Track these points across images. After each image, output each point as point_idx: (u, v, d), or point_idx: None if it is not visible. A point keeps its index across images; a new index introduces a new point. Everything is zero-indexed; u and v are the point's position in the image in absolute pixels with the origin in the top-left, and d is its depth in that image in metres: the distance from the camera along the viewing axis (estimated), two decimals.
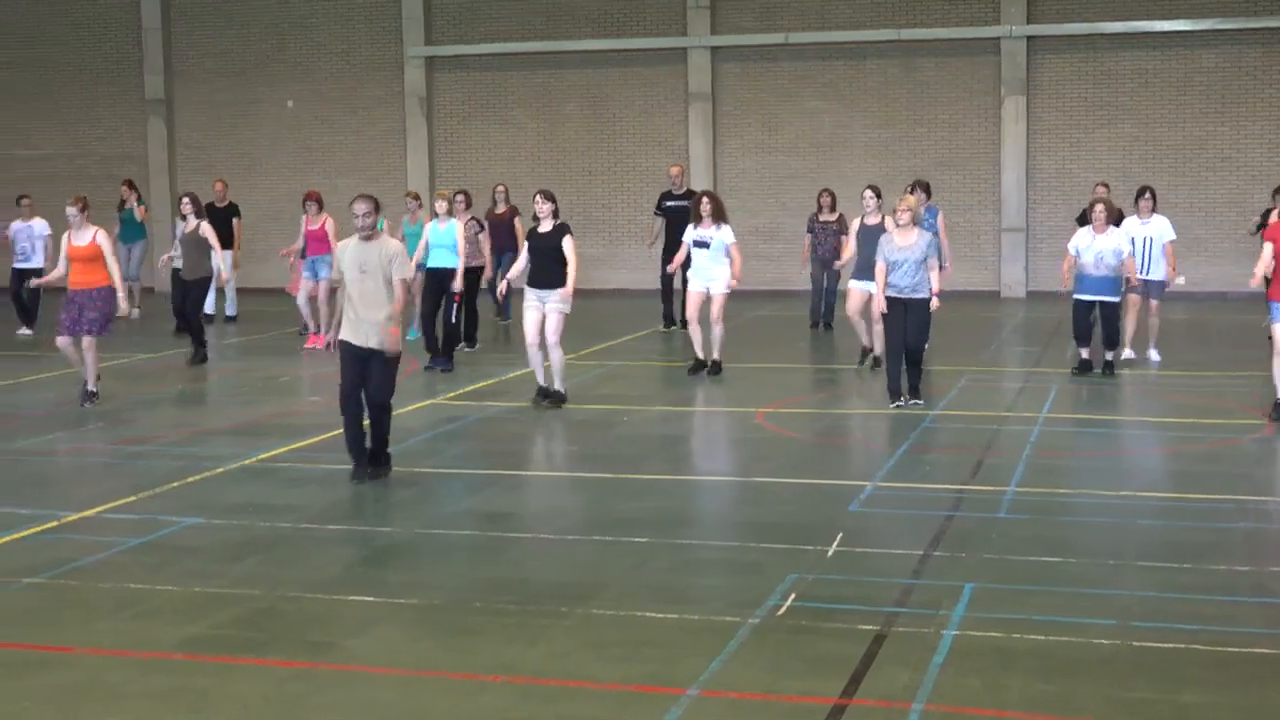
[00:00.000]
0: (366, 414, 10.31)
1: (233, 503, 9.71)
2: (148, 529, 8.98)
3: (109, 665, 6.48)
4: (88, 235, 13.94)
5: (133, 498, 9.84)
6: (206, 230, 17.04)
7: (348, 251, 10.43)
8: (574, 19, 26.38)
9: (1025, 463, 10.74)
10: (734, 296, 15.48)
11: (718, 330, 15.18)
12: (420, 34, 26.80)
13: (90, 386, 13.82)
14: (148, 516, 9.29)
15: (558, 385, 13.41)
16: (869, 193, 15.86)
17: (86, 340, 13.73)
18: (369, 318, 10.21)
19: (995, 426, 12.32)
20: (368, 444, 10.35)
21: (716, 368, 15.19)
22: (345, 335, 10.31)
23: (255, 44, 27.83)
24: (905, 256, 13.17)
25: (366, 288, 10.25)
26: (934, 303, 13.27)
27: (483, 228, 17.71)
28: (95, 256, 13.88)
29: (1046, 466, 10.69)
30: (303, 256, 18.82)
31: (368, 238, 10.37)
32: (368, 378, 10.21)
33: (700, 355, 15.26)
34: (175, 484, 10.27)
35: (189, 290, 17.02)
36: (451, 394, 14.23)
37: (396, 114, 27.33)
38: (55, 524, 9.13)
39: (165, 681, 6.26)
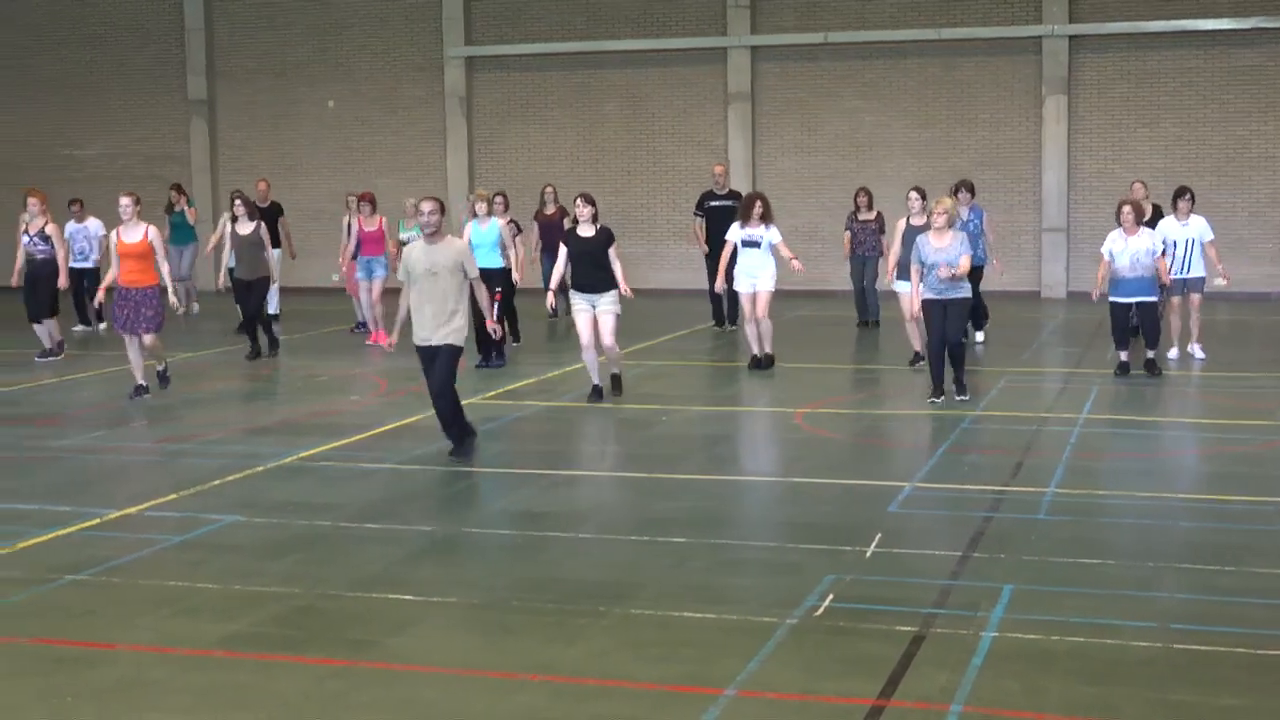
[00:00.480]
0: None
1: (273, 501, 9.77)
2: (189, 527, 9.05)
3: (150, 662, 6.54)
4: (139, 232, 14.08)
5: (174, 496, 9.91)
6: (264, 230, 17.41)
7: (414, 253, 10.72)
8: (614, 19, 26.40)
9: (1065, 464, 10.69)
10: (773, 296, 15.59)
11: (765, 326, 15.56)
12: (460, 34, 26.88)
13: (140, 380, 14.08)
14: (189, 514, 9.36)
15: (616, 369, 13.97)
16: (914, 193, 15.82)
17: (149, 338, 13.99)
18: (439, 317, 10.64)
19: (1035, 427, 12.26)
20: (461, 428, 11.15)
21: (770, 360, 15.63)
22: (419, 338, 10.82)
23: (297, 45, 27.98)
24: (942, 258, 13.22)
25: (437, 288, 10.66)
26: (962, 263, 13.39)
27: (520, 229, 17.78)
28: (146, 254, 14.05)
29: (1086, 468, 10.64)
30: (354, 257, 19.01)
31: (433, 237, 10.68)
32: (434, 371, 10.83)
33: (756, 352, 15.62)
34: (216, 482, 10.34)
35: (251, 290, 17.21)
36: (491, 393, 14.27)
37: (436, 114, 27.41)
38: (97, 521, 9.21)
39: (206, 678, 6.30)
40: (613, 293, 13.64)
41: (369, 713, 5.89)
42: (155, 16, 28.61)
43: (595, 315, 13.60)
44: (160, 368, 14.42)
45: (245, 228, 17.27)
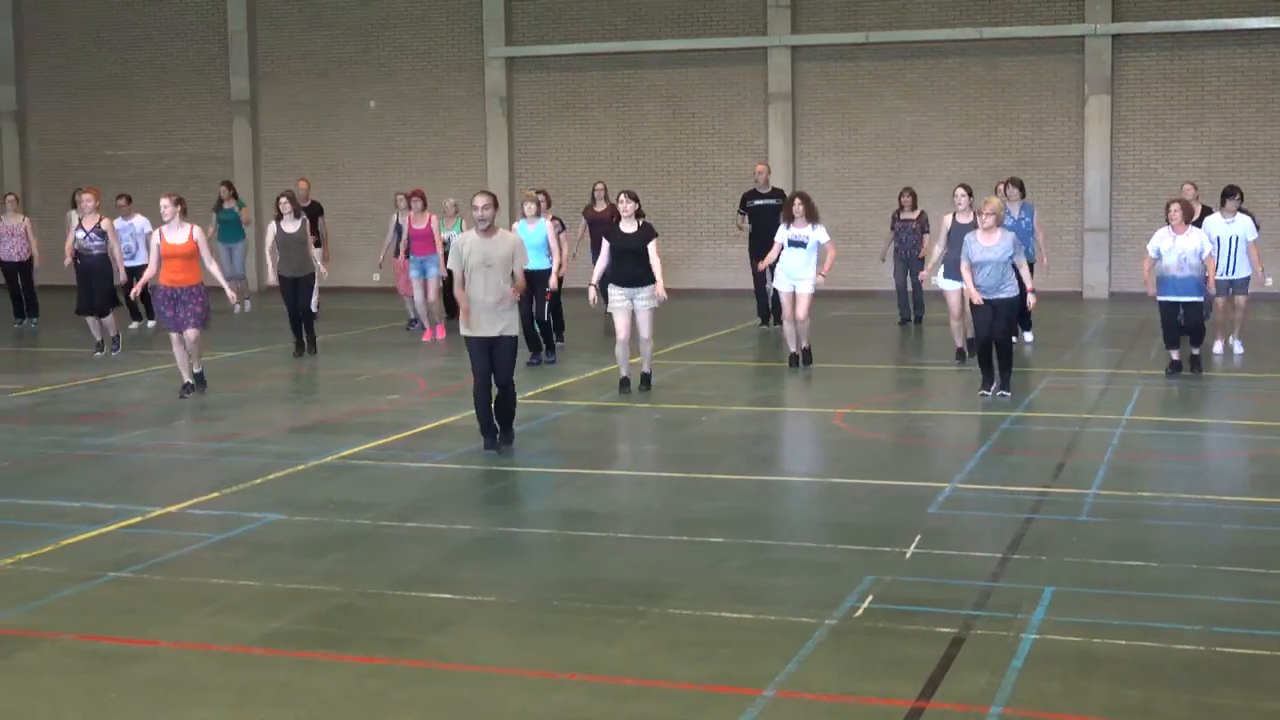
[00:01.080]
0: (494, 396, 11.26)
1: (314, 499, 9.82)
2: (231, 525, 9.10)
3: (192, 659, 6.58)
4: (184, 233, 14.17)
5: (216, 494, 9.97)
6: (308, 228, 17.65)
7: (468, 244, 10.92)
8: (654, 19, 26.40)
9: (1107, 465, 10.63)
10: (814, 296, 15.60)
11: (803, 326, 15.69)
12: (501, 34, 26.94)
13: (187, 379, 14.24)
14: (231, 512, 9.42)
15: (646, 368, 14.16)
16: (960, 190, 15.78)
17: (191, 333, 14.11)
18: (493, 308, 10.96)
19: (1077, 428, 12.19)
20: (495, 423, 11.32)
21: (808, 356, 15.81)
22: (470, 329, 11.05)
23: (339, 45, 28.10)
24: (989, 257, 13.25)
25: (491, 280, 10.98)
26: (1030, 300, 13.91)
27: (564, 227, 17.82)
28: (192, 254, 14.16)
29: (1129, 469, 10.57)
30: (406, 255, 19.15)
31: (487, 231, 10.86)
32: (493, 364, 11.07)
33: (794, 349, 15.76)
34: (258, 480, 10.40)
35: (298, 286, 17.36)
36: (532, 392, 14.29)
37: (477, 114, 27.48)
38: (140, 519, 9.27)
39: (247, 676, 6.34)
40: (651, 288, 13.87)
41: (408, 711, 5.91)
42: (199, 18, 28.80)
43: (634, 310, 13.86)
44: (197, 369, 14.50)
45: (291, 225, 17.39)
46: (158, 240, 14.24)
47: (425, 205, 19.21)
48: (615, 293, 13.92)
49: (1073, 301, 24.01)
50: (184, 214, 14.38)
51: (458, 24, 27.45)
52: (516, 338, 11.23)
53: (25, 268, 21.23)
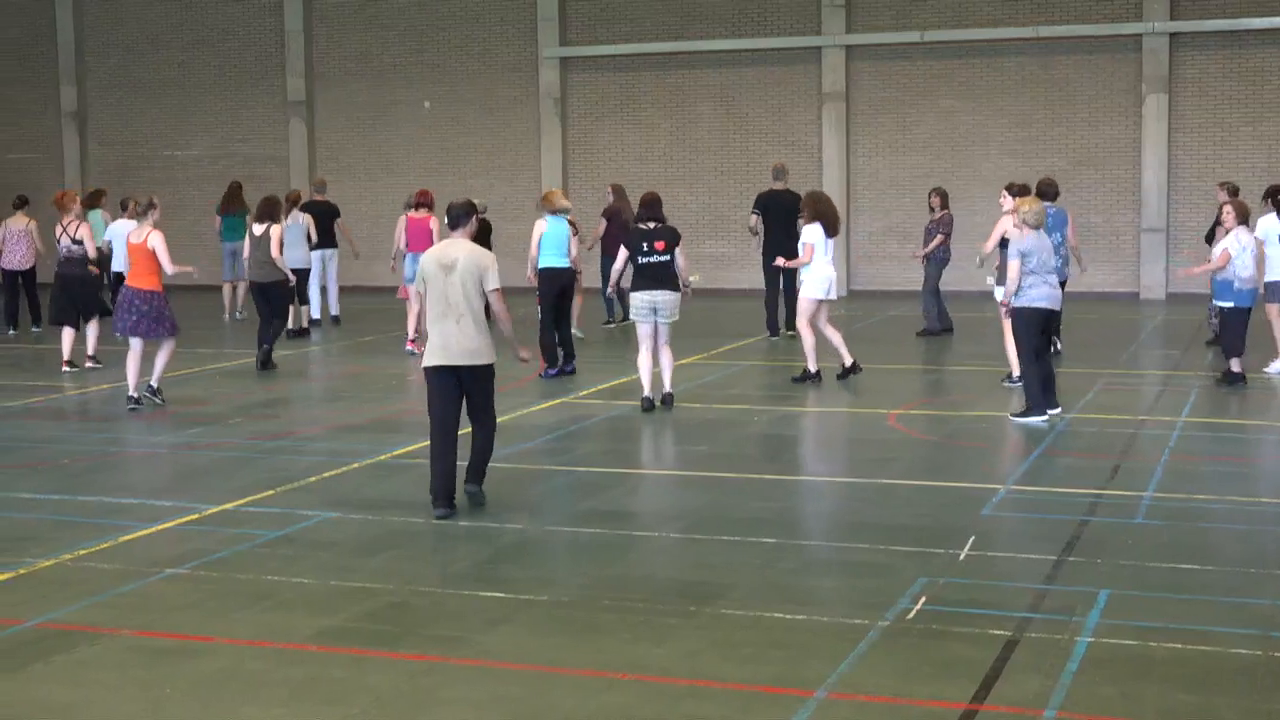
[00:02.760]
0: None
1: (367, 498, 9.87)
2: (285, 522, 9.17)
3: (247, 655, 6.63)
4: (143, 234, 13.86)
5: (270, 492, 10.04)
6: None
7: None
8: (708, 19, 26.39)
9: (1163, 467, 10.53)
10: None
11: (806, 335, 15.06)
12: (555, 35, 27.00)
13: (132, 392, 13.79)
14: (285, 510, 9.48)
15: (668, 387, 13.42)
16: (1006, 192, 15.44)
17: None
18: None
19: (1132, 430, 12.09)
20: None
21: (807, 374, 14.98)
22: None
23: (394, 46, 28.25)
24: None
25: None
26: (1001, 312, 13.23)
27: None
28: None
29: (1185, 472, 10.47)
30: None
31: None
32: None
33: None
34: (312, 479, 10.47)
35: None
36: (581, 392, 14.32)
37: (531, 114, 27.55)
38: (196, 517, 9.36)
39: (301, 672, 6.38)
40: (677, 295, 13.28)
41: (459, 708, 5.94)
42: (256, 19, 29.03)
43: (656, 322, 13.24)
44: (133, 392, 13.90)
45: (257, 229, 16.67)
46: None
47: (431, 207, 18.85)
48: (640, 299, 13.26)
49: (1129, 303, 23.82)
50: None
51: (512, 24, 27.53)
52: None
53: (29, 274, 20.48)
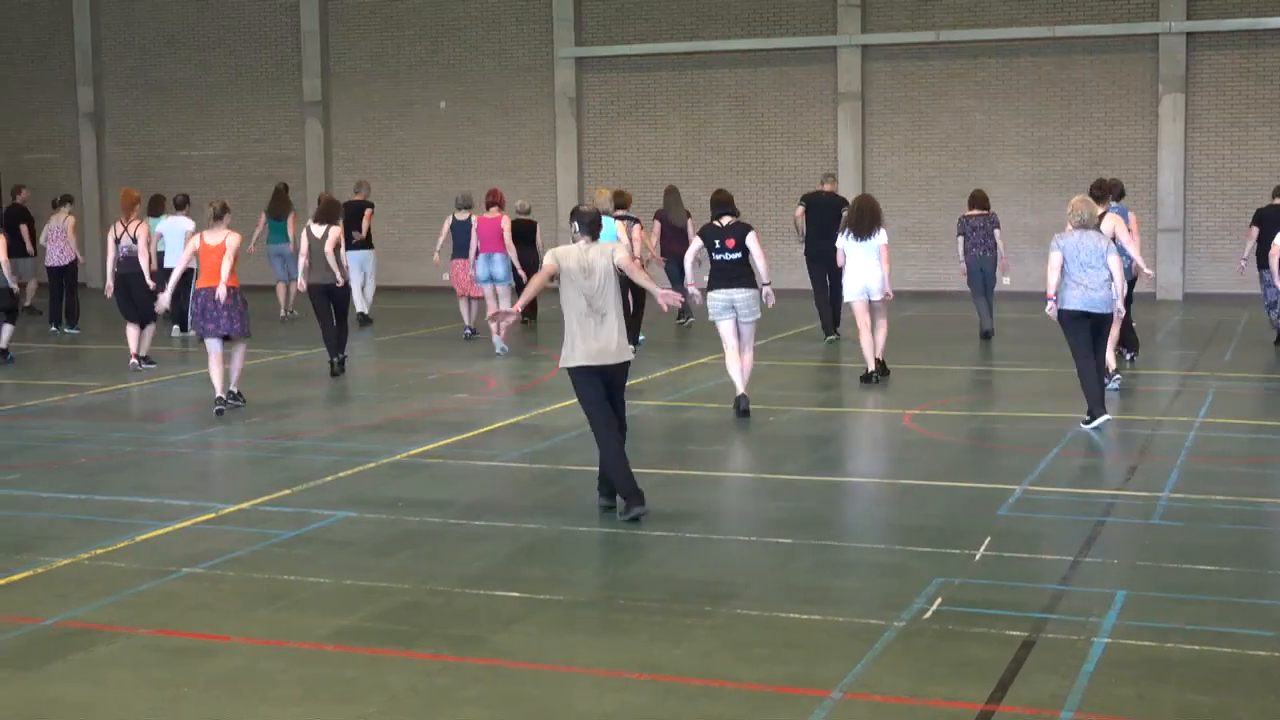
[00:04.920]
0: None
1: (383, 497, 9.89)
2: (301, 522, 9.19)
3: (263, 654, 6.65)
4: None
5: (287, 491, 10.06)
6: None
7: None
8: (723, 19, 26.38)
9: (1180, 468, 10.50)
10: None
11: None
12: (570, 35, 27.01)
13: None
14: (301, 510, 9.50)
15: (741, 389, 13.16)
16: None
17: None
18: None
19: (1149, 431, 12.06)
20: None
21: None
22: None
23: (410, 46, 28.29)
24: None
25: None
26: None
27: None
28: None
29: (1202, 472, 10.44)
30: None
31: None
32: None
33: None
34: (328, 478, 10.49)
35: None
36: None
37: (546, 114, 27.57)
38: (213, 516, 9.38)
39: (316, 672, 6.40)
40: (754, 292, 13.15)
41: (475, 708, 5.95)
42: (272, 19, 29.09)
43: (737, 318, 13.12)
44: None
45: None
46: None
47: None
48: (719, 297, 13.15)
49: (1146, 303, 23.73)
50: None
51: (528, 25, 27.55)
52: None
53: (69, 271, 20.74)
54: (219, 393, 13.54)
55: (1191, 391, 14.12)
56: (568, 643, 6.78)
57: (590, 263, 9.27)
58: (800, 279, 25.01)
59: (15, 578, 7.96)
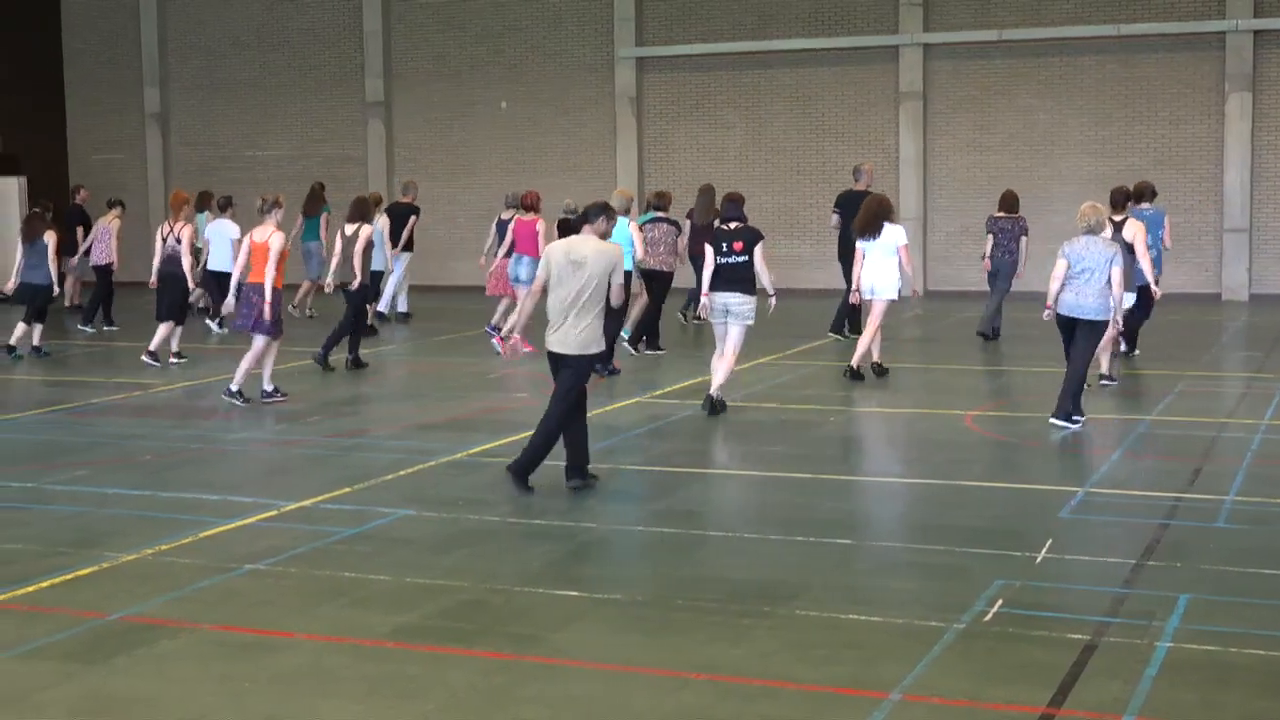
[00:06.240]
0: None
1: (443, 496, 9.93)
2: (362, 520, 9.25)
3: (325, 650, 6.70)
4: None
5: (348, 489, 10.13)
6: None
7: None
8: (785, 19, 26.32)
9: (1245, 471, 10.39)
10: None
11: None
12: (631, 35, 27.03)
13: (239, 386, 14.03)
14: (362, 508, 9.56)
15: (715, 390, 12.99)
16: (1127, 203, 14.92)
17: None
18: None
19: (1214, 433, 11.93)
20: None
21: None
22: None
23: (471, 47, 28.40)
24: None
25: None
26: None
27: (680, 229, 17.78)
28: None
29: (1268, 475, 10.32)
30: None
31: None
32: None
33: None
34: (389, 477, 10.55)
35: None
36: (655, 392, 14.33)
37: (607, 114, 27.60)
38: (275, 513, 9.46)
39: (378, 669, 6.44)
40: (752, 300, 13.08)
41: (533, 707, 5.96)
42: (335, 21, 29.29)
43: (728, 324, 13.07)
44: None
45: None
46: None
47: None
48: (717, 299, 13.11)
49: (1211, 304, 23.49)
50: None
51: (589, 25, 27.60)
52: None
53: (108, 270, 20.98)
54: (234, 385, 13.87)
55: (1257, 394, 13.95)
56: (626, 642, 6.79)
57: (582, 256, 9.74)
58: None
59: (81, 573, 8.06)
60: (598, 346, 9.92)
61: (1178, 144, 24.46)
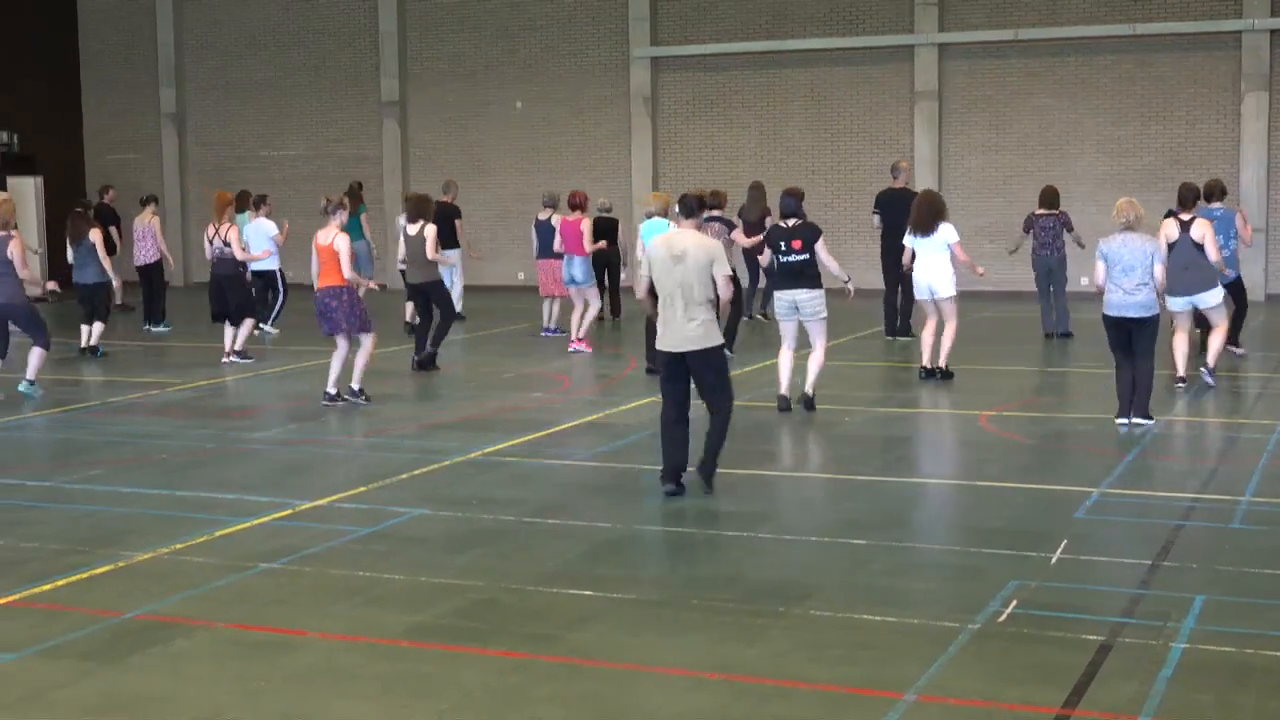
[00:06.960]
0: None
1: (458, 495, 9.95)
2: (377, 519, 9.26)
3: (340, 649, 6.71)
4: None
5: (363, 488, 10.15)
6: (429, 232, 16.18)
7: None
8: (799, 18, 26.30)
9: (1262, 471, 10.35)
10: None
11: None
12: (646, 34, 27.03)
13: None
14: (377, 507, 9.58)
15: (809, 389, 13.23)
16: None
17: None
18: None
19: (1231, 434, 11.89)
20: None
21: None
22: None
23: (486, 47, 28.42)
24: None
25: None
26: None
27: (731, 227, 17.79)
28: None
29: None
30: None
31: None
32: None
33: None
34: (404, 476, 10.56)
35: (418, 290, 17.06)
36: None
37: (622, 114, 27.61)
38: (290, 512, 9.48)
39: (392, 668, 6.45)
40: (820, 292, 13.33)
41: (548, 706, 5.97)
42: (350, 20, 29.33)
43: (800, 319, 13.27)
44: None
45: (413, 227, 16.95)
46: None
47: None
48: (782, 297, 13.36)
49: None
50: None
51: (603, 25, 27.61)
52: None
53: (156, 270, 21.13)
54: (329, 387, 13.90)
55: (1274, 394, 13.91)
56: (641, 642, 6.79)
57: (682, 249, 9.69)
58: (875, 279, 24.97)
59: (97, 571, 8.09)
60: (719, 337, 9.86)
61: (1194, 143, 24.38)
